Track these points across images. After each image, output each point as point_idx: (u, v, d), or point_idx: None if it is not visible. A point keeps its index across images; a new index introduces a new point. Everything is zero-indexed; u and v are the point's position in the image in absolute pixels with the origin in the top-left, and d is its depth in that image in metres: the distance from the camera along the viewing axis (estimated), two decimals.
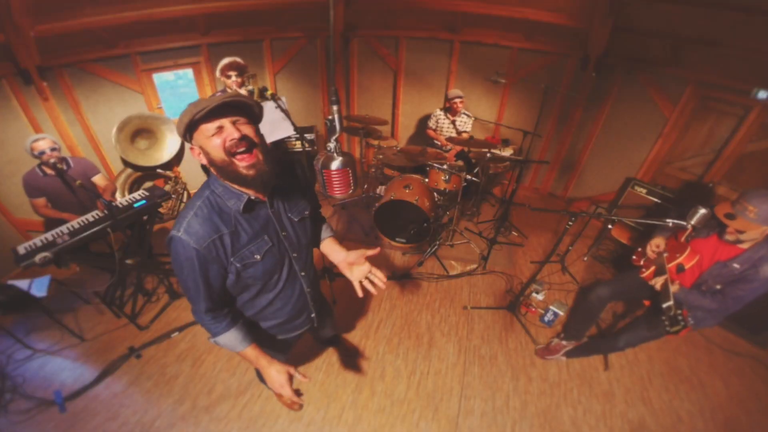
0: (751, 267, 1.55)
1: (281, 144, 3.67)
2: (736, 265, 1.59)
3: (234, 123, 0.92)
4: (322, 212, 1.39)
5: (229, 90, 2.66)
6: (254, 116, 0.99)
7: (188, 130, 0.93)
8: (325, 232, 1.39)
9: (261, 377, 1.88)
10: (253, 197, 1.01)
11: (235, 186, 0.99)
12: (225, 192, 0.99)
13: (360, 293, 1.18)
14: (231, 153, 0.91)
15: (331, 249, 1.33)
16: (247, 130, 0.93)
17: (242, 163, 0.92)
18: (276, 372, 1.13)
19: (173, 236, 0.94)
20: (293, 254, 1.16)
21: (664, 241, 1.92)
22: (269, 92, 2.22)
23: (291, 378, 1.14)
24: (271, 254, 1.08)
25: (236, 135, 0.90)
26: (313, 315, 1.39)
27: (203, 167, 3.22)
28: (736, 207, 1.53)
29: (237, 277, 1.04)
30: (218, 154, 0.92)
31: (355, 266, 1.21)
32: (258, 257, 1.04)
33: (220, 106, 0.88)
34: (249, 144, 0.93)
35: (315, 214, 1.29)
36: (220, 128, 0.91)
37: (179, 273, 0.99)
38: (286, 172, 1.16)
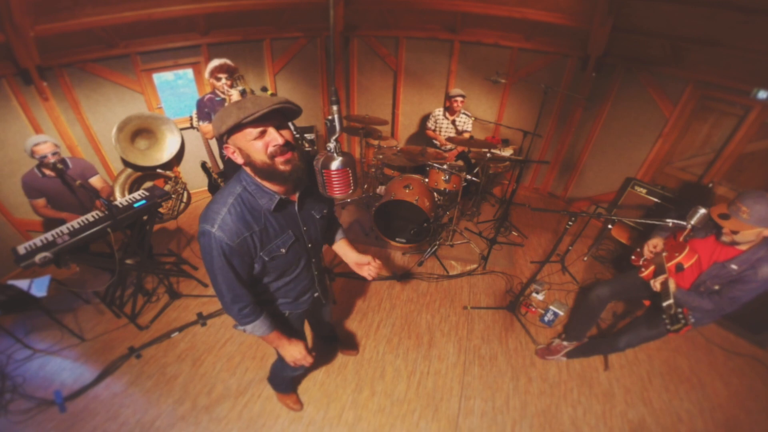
0: (749, 268, 1.56)
1: None
2: (734, 266, 1.60)
3: (277, 128, 0.95)
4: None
5: (219, 93, 2.61)
6: (293, 118, 1.03)
7: (228, 132, 0.94)
8: (339, 234, 1.54)
9: (271, 379, 1.99)
10: (284, 197, 1.07)
11: (269, 185, 1.04)
12: (257, 190, 1.04)
13: (368, 278, 1.44)
14: (273, 156, 0.95)
15: (344, 251, 1.52)
16: (288, 134, 0.98)
17: (279, 160, 0.96)
18: (294, 347, 1.31)
19: (207, 231, 0.98)
20: (309, 245, 1.26)
21: (661, 241, 1.92)
22: (269, 92, 2.22)
23: (306, 347, 1.33)
24: (294, 248, 1.18)
25: (281, 141, 0.94)
26: (317, 294, 1.50)
27: (203, 167, 3.20)
28: (730, 208, 1.55)
29: (263, 267, 1.13)
30: (260, 157, 0.95)
31: (364, 266, 1.43)
32: (283, 251, 1.13)
33: (270, 112, 0.90)
34: (290, 149, 0.98)
35: (330, 212, 1.40)
36: (263, 132, 0.93)
37: (210, 266, 1.04)
38: (312, 172, 1.21)
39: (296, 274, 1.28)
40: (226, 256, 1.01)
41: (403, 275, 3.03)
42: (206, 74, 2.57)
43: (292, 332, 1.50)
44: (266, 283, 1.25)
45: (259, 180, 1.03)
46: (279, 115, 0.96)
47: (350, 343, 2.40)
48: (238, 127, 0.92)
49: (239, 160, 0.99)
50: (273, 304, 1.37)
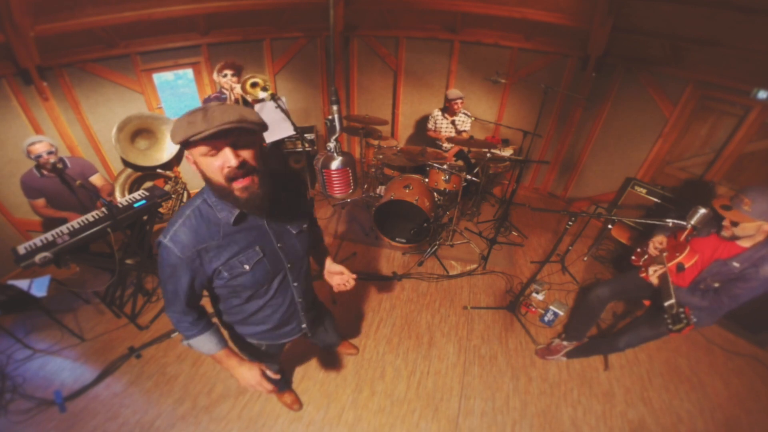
0: (751, 266, 1.55)
1: (281, 144, 3.67)
2: (735, 264, 1.59)
3: (233, 145, 0.85)
4: (321, 213, 1.46)
5: (224, 91, 2.62)
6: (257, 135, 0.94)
7: (183, 145, 0.87)
8: (324, 253, 1.48)
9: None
10: (245, 211, 1.01)
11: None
12: (218, 203, 0.98)
13: (335, 289, 1.40)
14: (229, 179, 0.87)
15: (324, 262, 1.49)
16: (247, 153, 0.87)
17: (237, 185, 0.89)
18: (248, 370, 1.16)
19: (160, 241, 0.97)
20: (288, 265, 1.17)
21: (665, 238, 1.92)
22: (269, 92, 2.21)
23: (264, 373, 1.18)
24: (262, 265, 1.09)
25: (233, 163, 0.84)
26: (303, 325, 1.41)
27: None
28: (733, 200, 1.55)
29: (227, 284, 1.06)
30: (215, 177, 0.88)
31: (335, 275, 1.40)
32: (247, 267, 1.05)
33: (218, 132, 0.80)
34: (247, 170, 0.88)
35: (311, 225, 1.32)
36: (218, 150, 0.84)
37: (161, 275, 1.02)
38: (291, 185, 1.17)
39: (270, 296, 1.19)
40: (174, 268, 0.98)
41: (403, 275, 3.03)
42: (214, 74, 2.61)
43: (263, 357, 1.41)
44: (237, 305, 1.18)
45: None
46: (244, 132, 0.85)
47: (350, 343, 2.40)
48: (187, 144, 0.83)
49: (199, 173, 0.91)
50: (249, 329, 1.29)
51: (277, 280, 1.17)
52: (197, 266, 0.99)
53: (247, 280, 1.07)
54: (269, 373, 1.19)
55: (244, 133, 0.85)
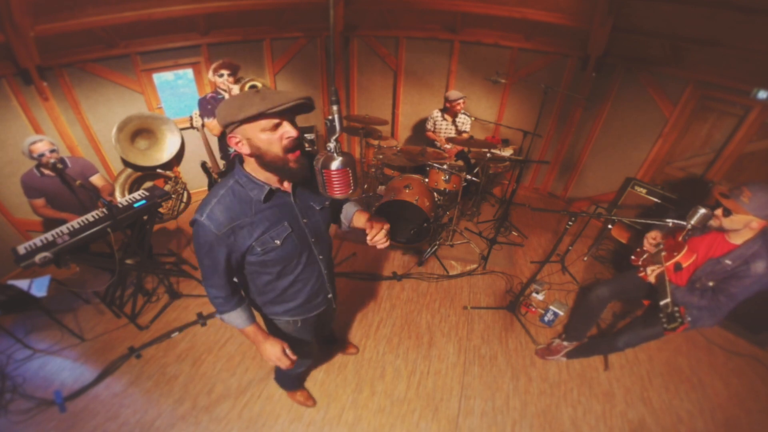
0: (743, 264, 1.55)
1: None
2: (728, 262, 1.59)
3: (291, 122, 0.97)
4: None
5: (220, 91, 2.63)
6: (300, 114, 1.03)
7: (244, 121, 0.92)
8: (353, 207, 1.43)
9: (277, 377, 2.01)
10: (274, 188, 1.07)
11: (261, 176, 1.05)
12: (248, 182, 1.05)
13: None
14: (286, 151, 0.97)
15: (356, 220, 1.40)
16: (297, 130, 0.99)
17: (292, 157, 0.99)
18: (271, 346, 1.26)
19: (196, 219, 1.03)
20: (312, 239, 1.24)
21: (660, 234, 1.92)
22: None
23: (285, 351, 1.28)
24: (291, 240, 1.15)
25: (294, 134, 0.96)
26: (330, 296, 1.49)
27: (203, 167, 3.20)
28: (734, 191, 1.54)
29: (260, 261, 1.14)
30: (275, 150, 0.96)
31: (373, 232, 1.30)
32: (278, 242, 1.12)
33: (288, 107, 0.90)
34: (299, 143, 0.99)
35: (335, 202, 1.37)
36: (278, 125, 0.94)
37: (198, 252, 1.09)
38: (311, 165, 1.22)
39: (300, 271, 1.25)
40: (210, 244, 1.04)
41: (403, 275, 3.03)
42: (209, 73, 2.60)
43: (298, 343, 1.47)
44: (270, 282, 1.23)
45: (249, 172, 1.05)
46: (297, 110, 0.97)
47: (350, 343, 2.40)
48: (256, 117, 0.91)
49: (245, 150, 0.99)
50: (282, 307, 1.34)
51: (305, 255, 1.24)
52: (232, 242, 1.05)
53: (278, 254, 1.14)
54: (288, 351, 1.29)
55: (296, 110, 0.96)
